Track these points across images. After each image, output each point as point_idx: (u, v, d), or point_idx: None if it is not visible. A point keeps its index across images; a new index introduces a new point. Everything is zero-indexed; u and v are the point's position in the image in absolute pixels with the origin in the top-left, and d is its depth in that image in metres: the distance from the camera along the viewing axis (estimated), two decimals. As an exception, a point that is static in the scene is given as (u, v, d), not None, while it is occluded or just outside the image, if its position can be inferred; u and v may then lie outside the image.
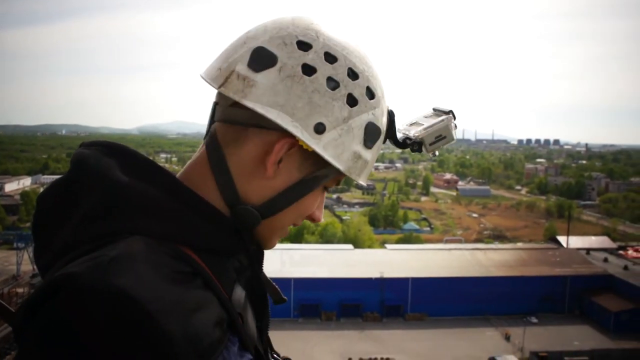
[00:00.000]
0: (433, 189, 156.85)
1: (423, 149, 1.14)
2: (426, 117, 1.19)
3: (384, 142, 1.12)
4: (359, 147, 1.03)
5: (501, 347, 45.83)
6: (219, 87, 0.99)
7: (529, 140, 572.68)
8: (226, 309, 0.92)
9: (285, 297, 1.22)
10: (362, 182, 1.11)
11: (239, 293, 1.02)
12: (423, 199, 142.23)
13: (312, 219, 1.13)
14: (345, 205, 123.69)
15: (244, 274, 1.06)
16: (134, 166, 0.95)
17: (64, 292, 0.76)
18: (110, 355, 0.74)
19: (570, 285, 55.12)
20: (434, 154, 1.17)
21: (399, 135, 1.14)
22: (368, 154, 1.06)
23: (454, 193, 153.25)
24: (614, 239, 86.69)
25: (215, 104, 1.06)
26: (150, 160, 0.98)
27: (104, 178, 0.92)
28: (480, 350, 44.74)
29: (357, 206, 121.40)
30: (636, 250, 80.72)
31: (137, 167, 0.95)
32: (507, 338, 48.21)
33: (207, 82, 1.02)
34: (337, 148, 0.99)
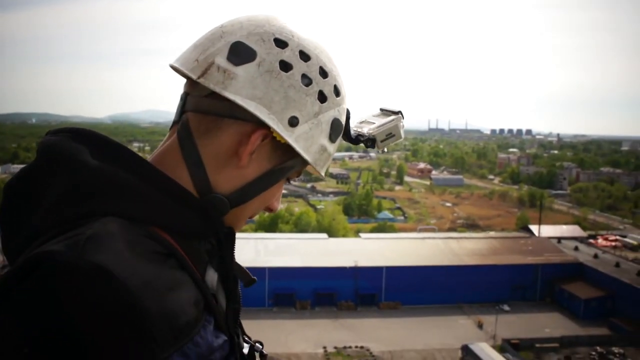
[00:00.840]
0: (407, 178, 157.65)
1: (375, 145, 1.21)
2: (375, 116, 1.27)
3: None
4: (325, 141, 1.09)
5: (474, 335, 46.38)
6: (198, 77, 1.01)
7: (502, 130, 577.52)
8: (200, 290, 0.94)
9: (255, 277, 1.24)
10: (323, 173, 1.15)
11: (211, 275, 1.03)
12: (397, 188, 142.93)
13: (270, 209, 1.17)
14: (319, 195, 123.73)
15: (215, 256, 1.06)
16: (104, 150, 0.96)
17: (43, 268, 0.76)
18: (87, 331, 0.74)
19: (542, 274, 55.95)
20: (383, 151, 1.26)
21: (352, 133, 1.20)
22: (331, 148, 1.12)
23: (428, 182, 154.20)
24: (584, 228, 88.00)
25: (186, 94, 1.08)
26: (120, 144, 0.98)
27: (74, 163, 0.92)
28: (454, 338, 45.18)
29: (331, 195, 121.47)
30: (606, 239, 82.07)
31: (107, 152, 0.96)
32: (480, 326, 48.82)
33: (181, 72, 1.05)
34: (307, 141, 1.06)
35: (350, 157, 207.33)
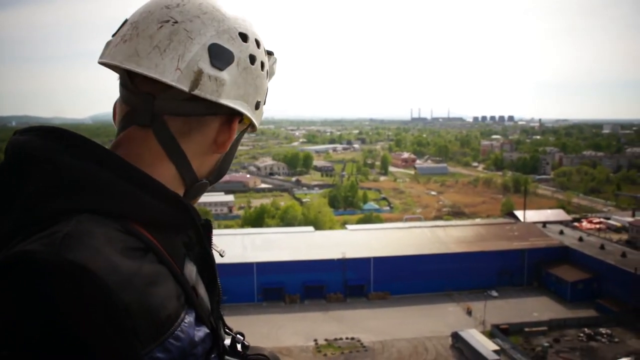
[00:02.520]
0: (391, 169, 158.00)
1: None
2: None
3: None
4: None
5: (463, 321, 46.64)
6: (191, 90, 1.00)
7: (484, 118, 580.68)
8: (180, 284, 0.95)
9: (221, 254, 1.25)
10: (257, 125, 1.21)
11: (190, 268, 1.03)
12: (382, 178, 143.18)
13: None
14: (304, 188, 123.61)
15: (194, 249, 1.06)
16: (76, 148, 0.95)
17: (20, 268, 0.75)
18: (68, 330, 0.74)
19: (528, 258, 56.37)
20: None
21: None
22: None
23: (412, 172, 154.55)
24: (568, 212, 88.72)
25: (151, 96, 1.04)
26: (91, 141, 0.97)
27: (46, 161, 0.91)
28: (443, 325, 45.45)
29: (316, 188, 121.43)
30: (590, 222, 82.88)
31: (79, 149, 0.95)
32: (469, 312, 49.12)
33: (162, 82, 1.00)
34: (262, 116, 1.18)
35: (334, 149, 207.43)
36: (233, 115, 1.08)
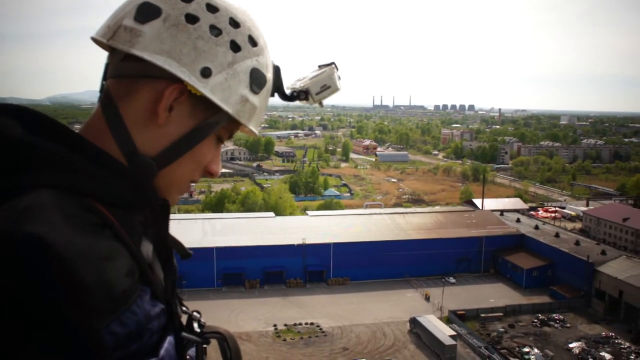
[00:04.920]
0: (352, 155, 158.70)
1: (310, 98, 1.23)
2: (312, 72, 1.28)
3: (272, 95, 1.19)
4: (246, 91, 1.08)
5: (422, 307, 47.26)
6: (108, 40, 1.03)
7: (445, 106, 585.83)
8: (136, 260, 0.95)
9: (191, 252, 1.22)
10: (253, 128, 1.14)
11: (147, 246, 1.03)
12: (343, 165, 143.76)
13: (210, 172, 1.15)
14: (265, 173, 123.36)
15: (150, 228, 1.06)
16: (31, 124, 0.94)
17: None
18: (25, 301, 0.74)
19: (486, 246, 57.38)
20: (321, 104, 1.27)
21: (287, 91, 1.21)
22: (255, 99, 1.10)
23: (373, 159, 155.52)
24: (525, 200, 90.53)
25: (107, 65, 1.08)
26: (47, 117, 0.97)
27: (2, 138, 0.90)
28: (402, 311, 46.05)
29: (277, 174, 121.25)
30: (546, 211, 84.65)
31: (35, 125, 0.94)
32: (427, 298, 49.78)
33: (97, 41, 1.07)
34: (225, 92, 1.05)
35: (296, 135, 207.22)
36: (173, 82, 1.02)
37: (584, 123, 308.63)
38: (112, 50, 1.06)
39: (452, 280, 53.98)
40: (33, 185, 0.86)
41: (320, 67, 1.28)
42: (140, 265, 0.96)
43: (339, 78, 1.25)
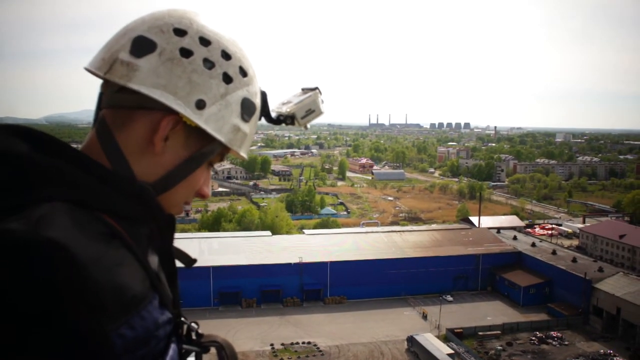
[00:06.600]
0: (349, 174, 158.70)
1: (296, 122, 1.28)
2: (295, 96, 1.33)
3: (260, 119, 1.23)
4: (238, 121, 1.12)
5: (419, 325, 47.10)
6: (105, 74, 1.05)
7: (440, 124, 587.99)
8: (144, 269, 0.99)
9: (195, 258, 1.26)
10: (244, 154, 1.18)
11: (152, 258, 1.07)
12: (339, 183, 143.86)
13: (201, 194, 1.19)
14: (262, 192, 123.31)
15: (155, 241, 1.09)
16: (37, 142, 0.97)
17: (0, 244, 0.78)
18: (42, 303, 0.76)
19: (483, 263, 57.33)
20: (305, 127, 1.33)
21: (273, 114, 1.26)
22: (246, 127, 1.15)
23: (370, 177, 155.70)
24: (522, 218, 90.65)
25: (101, 94, 1.12)
26: (52, 137, 0.99)
27: (10, 155, 0.93)
28: (399, 329, 45.85)
29: (274, 192, 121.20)
30: (542, 228, 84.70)
31: (39, 143, 0.97)
32: (425, 317, 49.58)
33: (92, 72, 1.09)
34: (218, 122, 1.09)
35: (293, 154, 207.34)
36: (169, 113, 1.05)
37: (580, 140, 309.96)
38: (107, 81, 1.08)
39: (449, 298, 53.87)
40: (45, 199, 0.89)
41: (303, 90, 1.33)
42: (149, 274, 0.99)
43: (323, 102, 1.31)
